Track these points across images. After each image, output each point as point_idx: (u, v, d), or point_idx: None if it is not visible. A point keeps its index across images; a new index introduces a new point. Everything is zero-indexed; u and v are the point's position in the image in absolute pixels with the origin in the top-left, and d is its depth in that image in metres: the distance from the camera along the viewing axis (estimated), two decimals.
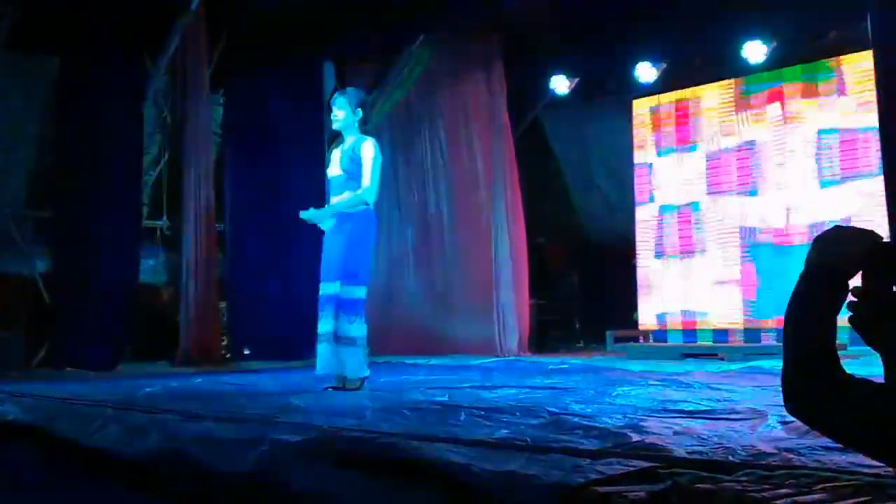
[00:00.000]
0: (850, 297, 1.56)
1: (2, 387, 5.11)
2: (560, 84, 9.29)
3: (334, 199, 5.03)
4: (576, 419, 3.24)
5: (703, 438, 2.63)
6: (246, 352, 8.56)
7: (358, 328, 4.81)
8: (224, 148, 8.72)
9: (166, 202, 8.39)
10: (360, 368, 4.84)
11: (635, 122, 8.99)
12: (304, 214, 4.98)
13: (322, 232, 5.07)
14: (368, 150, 4.98)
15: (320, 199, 8.75)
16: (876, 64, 5.85)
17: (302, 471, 2.50)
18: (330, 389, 4.79)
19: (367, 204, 4.93)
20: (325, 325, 4.79)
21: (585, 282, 10.52)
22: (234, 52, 8.53)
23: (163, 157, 8.44)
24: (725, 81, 8.35)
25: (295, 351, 8.33)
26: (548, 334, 9.79)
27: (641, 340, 8.60)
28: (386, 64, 9.15)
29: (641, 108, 8.98)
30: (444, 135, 9.15)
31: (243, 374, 6.47)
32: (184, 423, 3.24)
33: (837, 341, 1.55)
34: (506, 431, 2.94)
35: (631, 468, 2.10)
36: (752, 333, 7.92)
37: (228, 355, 8.47)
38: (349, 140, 5.09)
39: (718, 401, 3.86)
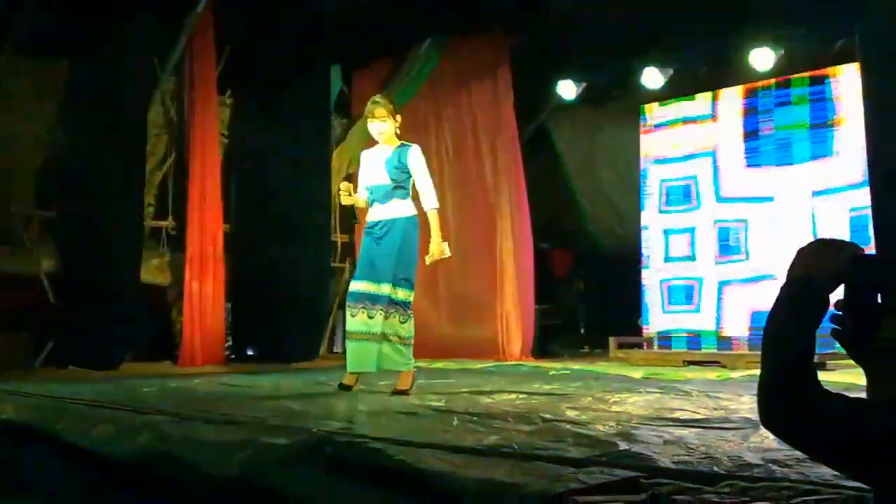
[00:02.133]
0: (834, 310, 1.54)
1: (3, 386, 5.14)
2: (567, 89, 9.26)
3: (380, 207, 5.00)
4: (568, 426, 3.25)
5: (692, 448, 2.62)
6: (250, 353, 8.57)
7: (411, 327, 4.91)
8: (230, 149, 8.73)
9: (172, 203, 8.40)
10: (411, 362, 4.91)
11: (643, 127, 8.95)
12: (431, 260, 4.97)
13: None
14: (418, 158, 5.02)
15: (325, 201, 8.85)
16: (863, 78, 5.87)
17: (287, 475, 2.50)
18: (358, 391, 4.87)
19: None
20: (365, 326, 4.79)
21: (590, 287, 10.49)
22: (242, 53, 8.56)
23: (169, 158, 8.46)
24: (735, 87, 8.30)
25: (299, 352, 8.36)
26: (551, 340, 9.77)
27: (645, 347, 8.55)
28: (393, 66, 9.15)
29: (649, 113, 8.94)
30: (450, 137, 9.13)
31: (244, 376, 6.48)
32: (175, 424, 3.24)
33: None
34: (496, 438, 2.95)
35: (613, 478, 2.10)
36: (756, 341, 7.87)
37: (233, 356, 8.49)
38: (390, 147, 5.05)
39: (714, 409, 3.86)
